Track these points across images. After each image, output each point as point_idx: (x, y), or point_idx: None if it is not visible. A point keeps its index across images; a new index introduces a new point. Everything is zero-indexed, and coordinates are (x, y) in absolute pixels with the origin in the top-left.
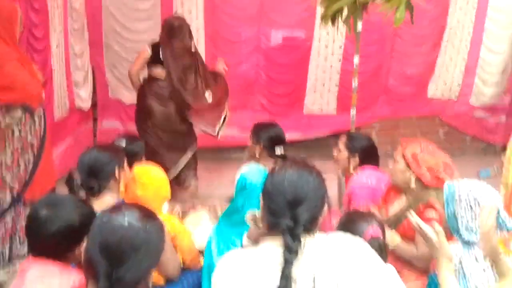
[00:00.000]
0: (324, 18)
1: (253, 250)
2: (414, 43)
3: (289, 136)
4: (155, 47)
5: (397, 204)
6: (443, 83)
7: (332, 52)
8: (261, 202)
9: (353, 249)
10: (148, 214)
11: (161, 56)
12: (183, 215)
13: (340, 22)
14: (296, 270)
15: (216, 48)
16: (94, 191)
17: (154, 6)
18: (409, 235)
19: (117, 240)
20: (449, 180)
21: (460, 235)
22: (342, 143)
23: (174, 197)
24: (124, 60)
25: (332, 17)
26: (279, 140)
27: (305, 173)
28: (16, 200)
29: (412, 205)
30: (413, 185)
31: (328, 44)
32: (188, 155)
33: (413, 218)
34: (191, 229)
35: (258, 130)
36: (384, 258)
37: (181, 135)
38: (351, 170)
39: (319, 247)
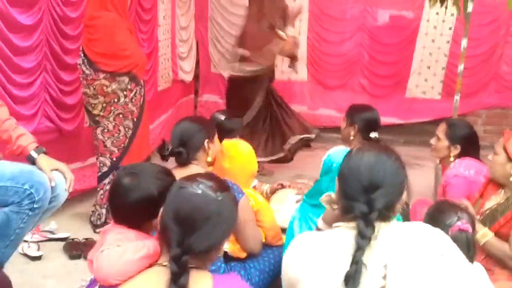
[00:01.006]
0: None
1: (326, 233)
2: None
3: (389, 119)
4: None
5: (494, 199)
6: None
7: (441, 33)
8: (337, 185)
9: (430, 240)
10: (222, 185)
11: None
12: (273, 192)
13: (449, 2)
14: (368, 256)
15: (320, 26)
16: (182, 159)
17: None
18: (503, 233)
19: (190, 208)
20: None
21: None
22: (441, 131)
23: None
24: (227, 34)
25: None
26: (375, 124)
27: (383, 157)
28: (115, 165)
29: (510, 201)
30: None
31: (437, 24)
32: None
33: None
34: (277, 206)
35: (354, 112)
36: (472, 254)
37: None
38: (451, 160)
39: (394, 234)
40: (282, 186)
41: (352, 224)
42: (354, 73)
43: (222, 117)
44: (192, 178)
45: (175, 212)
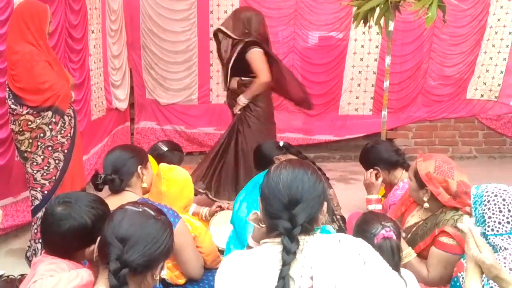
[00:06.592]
0: (356, 18)
1: (253, 251)
2: (453, 42)
3: (324, 137)
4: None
5: (417, 215)
6: (483, 83)
7: (369, 52)
8: (260, 205)
9: (352, 249)
10: (159, 210)
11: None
12: (212, 214)
13: (372, 22)
14: (295, 270)
15: None
16: (116, 186)
17: (191, 7)
18: (425, 255)
19: (131, 223)
20: (467, 200)
21: (488, 239)
22: None
23: None
24: (161, 61)
25: (364, 17)
26: None
27: (300, 173)
28: (47, 198)
29: (429, 227)
30: (426, 205)
31: (364, 43)
32: None
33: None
34: (216, 229)
35: None
36: (397, 260)
37: None
38: None
39: (318, 247)
40: (221, 208)
41: (278, 240)
42: None
43: (165, 148)
44: (134, 202)
45: (116, 227)
